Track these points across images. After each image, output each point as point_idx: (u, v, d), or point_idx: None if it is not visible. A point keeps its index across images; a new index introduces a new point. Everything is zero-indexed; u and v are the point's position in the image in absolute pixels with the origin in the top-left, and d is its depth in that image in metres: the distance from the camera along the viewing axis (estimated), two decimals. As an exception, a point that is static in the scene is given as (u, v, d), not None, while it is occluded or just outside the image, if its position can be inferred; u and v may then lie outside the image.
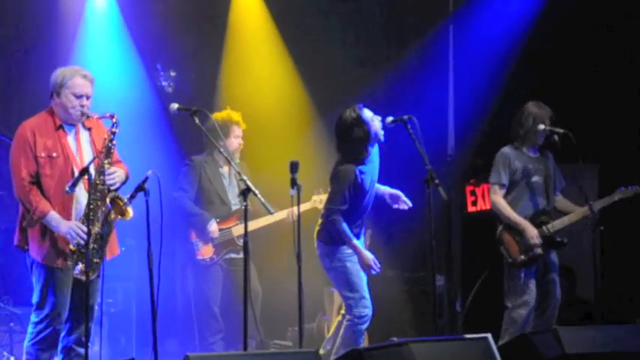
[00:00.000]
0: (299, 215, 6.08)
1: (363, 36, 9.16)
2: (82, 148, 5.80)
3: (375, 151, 6.54)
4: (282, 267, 7.48)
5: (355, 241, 6.39)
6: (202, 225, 7.49)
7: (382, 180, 6.70)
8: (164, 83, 8.65)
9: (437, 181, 6.08)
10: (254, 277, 7.53)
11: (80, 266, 5.65)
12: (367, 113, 6.44)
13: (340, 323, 6.69)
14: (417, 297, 8.65)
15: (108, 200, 5.67)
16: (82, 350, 5.73)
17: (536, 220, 7.05)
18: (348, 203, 6.37)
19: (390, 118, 6.38)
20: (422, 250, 8.29)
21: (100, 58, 8.33)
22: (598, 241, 6.79)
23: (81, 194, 5.71)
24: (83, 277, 5.64)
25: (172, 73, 8.68)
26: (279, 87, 8.99)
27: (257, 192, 5.83)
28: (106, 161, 5.69)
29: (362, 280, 6.48)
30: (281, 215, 7.39)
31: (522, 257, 7.00)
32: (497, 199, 7.11)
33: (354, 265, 6.45)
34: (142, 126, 8.20)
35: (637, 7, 8.18)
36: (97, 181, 5.66)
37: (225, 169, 7.66)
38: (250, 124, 7.93)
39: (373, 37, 9.16)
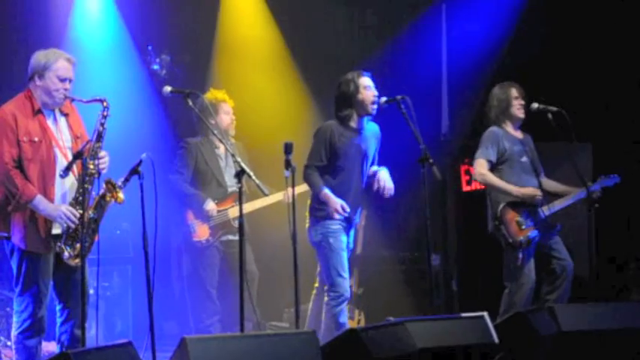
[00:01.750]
0: (293, 196, 6.10)
1: (356, 16, 9.15)
2: (61, 132, 5.76)
3: (370, 131, 6.58)
4: (278, 248, 7.49)
5: (326, 190, 6.42)
6: (199, 205, 7.51)
7: (378, 160, 6.72)
8: (156, 67, 8.64)
9: (431, 161, 6.09)
10: (251, 259, 7.55)
11: (68, 251, 5.63)
12: (364, 80, 6.50)
13: (315, 297, 6.75)
14: (413, 276, 8.68)
15: (104, 184, 5.66)
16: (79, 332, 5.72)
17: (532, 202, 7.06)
18: (325, 161, 6.44)
19: (383, 99, 6.42)
20: (417, 229, 8.30)
21: (93, 41, 8.33)
22: (593, 219, 6.79)
23: (64, 181, 5.68)
24: (72, 263, 5.64)
25: (165, 57, 8.66)
26: (272, 68, 8.99)
27: (251, 174, 5.83)
28: (97, 145, 5.67)
29: (342, 258, 6.51)
30: (277, 197, 7.42)
31: (521, 238, 7.00)
32: (483, 170, 7.04)
33: (336, 242, 6.48)
34: (136, 109, 8.20)
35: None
36: (90, 165, 5.64)
37: (221, 150, 7.66)
38: (244, 106, 7.95)
39: (366, 17, 9.16)
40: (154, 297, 5.58)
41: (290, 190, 6.13)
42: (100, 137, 5.68)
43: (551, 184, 7.21)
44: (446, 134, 8.92)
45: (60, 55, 5.76)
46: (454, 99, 8.90)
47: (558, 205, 7.03)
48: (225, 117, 7.60)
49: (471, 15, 8.79)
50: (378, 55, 9.00)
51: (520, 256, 6.98)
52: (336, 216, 6.45)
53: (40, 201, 5.58)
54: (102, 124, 5.69)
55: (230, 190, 7.58)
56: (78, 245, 5.61)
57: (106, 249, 5.91)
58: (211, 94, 7.64)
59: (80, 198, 5.62)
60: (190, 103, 6.05)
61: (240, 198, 5.87)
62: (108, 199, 5.68)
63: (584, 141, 7.79)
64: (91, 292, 7.01)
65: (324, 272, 6.55)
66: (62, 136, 5.75)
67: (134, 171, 5.58)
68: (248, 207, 7.36)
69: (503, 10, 8.66)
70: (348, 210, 6.47)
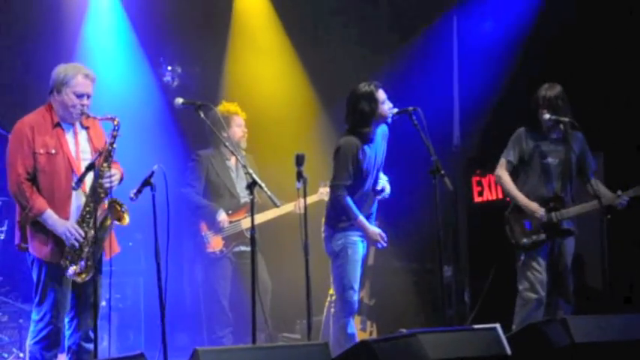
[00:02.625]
0: (305, 207, 6.10)
1: (368, 27, 9.18)
2: (79, 146, 5.79)
3: (380, 134, 6.53)
4: (290, 260, 7.50)
5: (361, 217, 6.41)
6: (212, 216, 7.54)
7: (388, 171, 6.72)
8: (168, 78, 8.69)
9: (443, 172, 6.09)
10: (263, 270, 7.57)
11: (73, 268, 5.65)
12: (381, 94, 6.45)
13: (329, 306, 6.74)
14: (425, 288, 8.68)
15: (106, 204, 5.66)
16: (89, 346, 5.73)
17: (546, 206, 7.02)
18: (352, 180, 6.39)
19: (395, 110, 6.41)
20: (429, 241, 8.27)
21: (105, 53, 8.40)
22: (605, 230, 6.78)
23: (80, 193, 5.71)
24: (78, 279, 5.67)
25: (177, 69, 8.71)
26: (283, 80, 9.03)
27: (263, 185, 5.86)
28: (105, 164, 5.67)
29: (356, 271, 6.49)
30: (288, 208, 7.46)
31: (525, 241, 7.00)
32: (500, 171, 7.11)
33: (354, 254, 6.47)
34: (147, 121, 8.26)
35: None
36: (97, 184, 5.64)
37: (232, 162, 7.70)
38: (255, 118, 7.98)
39: (378, 28, 9.19)
40: (166, 308, 5.59)
41: (301, 200, 6.13)
42: (109, 156, 5.68)
43: (594, 187, 6.99)
44: (457, 145, 8.93)
45: (79, 70, 5.77)
46: (466, 110, 8.91)
47: (568, 213, 7.00)
48: (237, 129, 7.64)
49: (483, 25, 8.80)
50: (390, 66, 9.02)
51: (522, 258, 7.00)
52: (379, 245, 6.50)
53: (49, 216, 5.61)
54: (111, 144, 5.69)
55: (243, 200, 7.61)
56: (82, 263, 5.64)
57: (119, 261, 5.95)
58: (224, 107, 7.68)
59: (87, 216, 5.66)
60: (202, 115, 6.09)
61: (251, 209, 5.89)
62: (109, 222, 5.68)
63: (596, 150, 7.78)
64: (103, 303, 7.04)
65: (335, 282, 6.55)
66: (79, 149, 5.78)
67: (146, 182, 5.60)
68: (260, 218, 7.40)
69: (514, 21, 8.67)
70: (386, 239, 6.50)
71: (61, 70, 5.77)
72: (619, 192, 6.88)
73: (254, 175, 5.88)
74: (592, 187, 7.00)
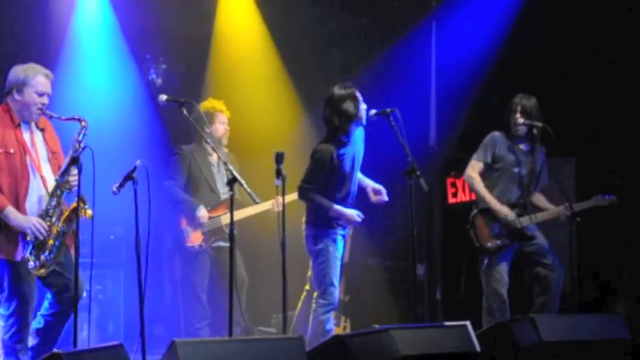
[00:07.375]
0: (283, 205, 6.19)
1: (348, 29, 9.26)
2: (36, 146, 5.88)
3: (358, 136, 6.61)
4: (266, 256, 7.60)
5: (335, 205, 6.45)
6: (191, 211, 7.62)
7: (365, 172, 6.81)
8: (153, 76, 8.74)
9: (418, 173, 6.17)
10: (241, 265, 7.66)
11: (33, 260, 5.71)
12: (359, 95, 6.53)
13: (304, 300, 6.84)
14: (398, 285, 8.77)
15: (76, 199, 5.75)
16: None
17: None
18: (322, 184, 6.47)
19: (373, 111, 6.44)
20: (403, 239, 8.37)
21: (91, 50, 8.41)
22: (575, 232, 6.92)
23: (33, 192, 5.80)
24: (36, 273, 5.74)
25: (162, 65, 8.77)
26: (266, 79, 9.08)
27: (243, 182, 5.94)
28: (73, 167, 5.74)
29: (336, 268, 6.56)
30: (266, 205, 7.53)
31: (489, 244, 7.15)
32: (471, 172, 7.23)
33: (335, 252, 6.55)
34: (131, 117, 8.30)
35: (616, 3, 8.30)
36: (64, 183, 5.77)
37: (214, 158, 7.78)
38: (238, 116, 8.04)
39: (357, 31, 9.27)
40: (145, 300, 5.69)
41: (279, 198, 6.24)
42: (75, 159, 5.71)
43: (538, 199, 7.33)
44: (433, 147, 9.03)
45: (39, 70, 5.89)
46: (442, 112, 9.01)
47: (530, 220, 7.14)
48: (220, 127, 7.71)
49: (461, 29, 8.91)
50: (369, 68, 9.11)
51: (485, 261, 7.13)
52: (357, 223, 6.56)
53: (10, 211, 5.68)
54: (79, 142, 5.76)
55: (222, 197, 7.70)
56: (42, 257, 5.72)
57: (100, 253, 6.03)
58: (209, 103, 7.77)
59: (51, 210, 5.75)
60: (185, 111, 6.16)
61: (231, 205, 5.98)
62: (72, 216, 5.74)
63: (568, 155, 7.93)
64: (84, 295, 7.14)
65: (317, 280, 6.59)
66: (37, 149, 5.87)
67: (128, 177, 5.70)
68: (239, 214, 7.45)
69: (491, 27, 8.78)
70: (362, 215, 6.58)
71: (20, 70, 5.88)
72: (566, 204, 7.06)
73: (234, 172, 5.97)
74: (536, 198, 7.25)
